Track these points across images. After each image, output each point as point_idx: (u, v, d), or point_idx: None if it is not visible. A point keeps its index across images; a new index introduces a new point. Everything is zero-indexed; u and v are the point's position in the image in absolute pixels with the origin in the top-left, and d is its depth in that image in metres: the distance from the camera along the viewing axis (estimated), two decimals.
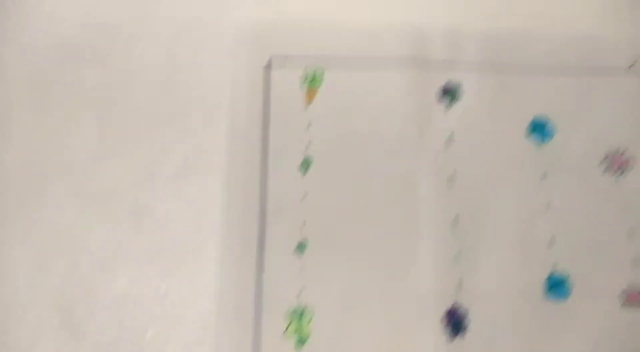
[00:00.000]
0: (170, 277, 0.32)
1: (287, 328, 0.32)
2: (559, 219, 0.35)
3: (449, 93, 0.37)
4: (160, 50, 0.35)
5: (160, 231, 0.32)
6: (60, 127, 0.34)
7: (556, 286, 0.34)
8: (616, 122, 0.37)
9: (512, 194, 0.35)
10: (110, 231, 0.32)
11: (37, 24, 0.35)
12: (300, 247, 0.33)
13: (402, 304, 0.33)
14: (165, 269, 0.32)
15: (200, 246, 0.32)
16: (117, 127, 0.34)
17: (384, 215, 0.34)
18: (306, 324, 0.32)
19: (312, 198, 0.34)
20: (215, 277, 0.32)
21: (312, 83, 0.36)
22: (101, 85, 0.34)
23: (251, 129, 0.35)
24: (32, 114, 0.34)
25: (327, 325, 0.32)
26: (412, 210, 0.35)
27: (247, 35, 0.36)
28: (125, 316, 0.31)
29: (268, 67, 0.36)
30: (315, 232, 0.34)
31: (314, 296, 0.33)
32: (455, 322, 0.33)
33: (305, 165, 0.35)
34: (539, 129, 0.37)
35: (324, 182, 0.35)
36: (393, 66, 0.37)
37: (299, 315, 0.32)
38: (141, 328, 0.31)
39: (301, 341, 0.32)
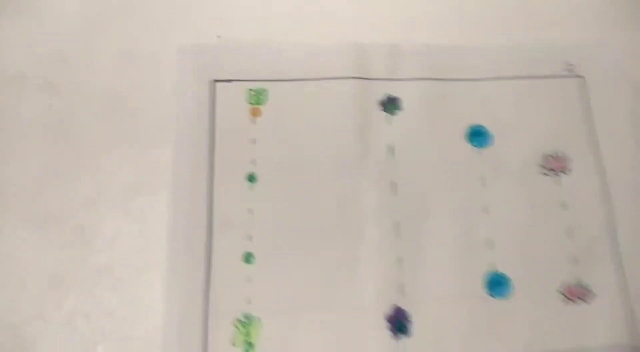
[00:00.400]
0: (119, 294, 0.33)
1: (235, 337, 0.33)
2: (498, 221, 0.36)
3: (390, 106, 0.39)
4: (105, 76, 0.37)
5: (108, 250, 0.33)
6: (6, 154, 0.35)
7: (497, 284, 0.35)
8: (552, 126, 0.39)
9: (452, 199, 0.37)
10: (59, 251, 0.33)
11: None
12: (248, 257, 0.34)
13: (347, 309, 0.34)
14: (113, 287, 0.33)
15: (148, 263, 0.33)
16: (63, 152, 0.35)
17: (329, 225, 0.36)
18: (254, 332, 0.33)
19: (259, 210, 0.35)
20: (163, 292, 0.33)
21: (257, 100, 0.38)
22: (47, 111, 0.36)
23: (197, 147, 0.36)
24: None
25: (275, 332, 0.33)
26: (355, 219, 0.36)
27: (191, 59, 0.38)
28: (75, 333, 0.32)
29: (213, 88, 0.37)
30: (263, 243, 0.35)
31: (262, 304, 0.34)
32: (398, 323, 0.34)
33: (252, 179, 0.36)
34: (477, 135, 0.38)
35: (270, 195, 0.36)
36: (335, 83, 0.38)
37: (246, 323, 0.33)
38: (91, 345, 0.32)
39: (249, 349, 0.33)
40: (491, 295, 0.35)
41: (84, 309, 0.32)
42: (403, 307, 0.34)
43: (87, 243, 0.33)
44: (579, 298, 0.35)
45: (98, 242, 0.33)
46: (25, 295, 0.32)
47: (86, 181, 0.35)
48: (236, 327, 0.33)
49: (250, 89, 0.38)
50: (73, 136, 0.36)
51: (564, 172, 0.38)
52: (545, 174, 0.38)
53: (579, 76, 0.40)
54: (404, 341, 0.34)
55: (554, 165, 0.38)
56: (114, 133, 0.36)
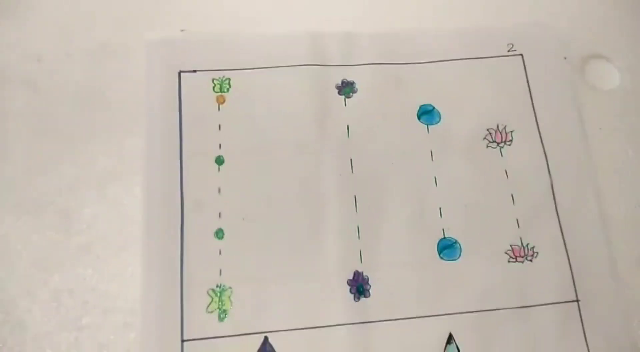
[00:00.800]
0: (100, 271, 0.36)
1: (209, 305, 0.36)
2: (447, 192, 0.40)
3: (346, 90, 0.42)
4: (80, 72, 0.40)
5: (88, 231, 0.36)
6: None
7: (447, 248, 0.39)
8: (495, 102, 0.43)
9: (405, 173, 0.40)
10: (44, 235, 0.36)
11: None
12: (218, 233, 0.37)
13: (312, 277, 0.37)
14: (94, 265, 0.36)
15: (125, 242, 0.36)
16: (45, 143, 0.38)
17: (293, 201, 0.39)
18: (227, 300, 0.36)
19: (227, 190, 0.39)
20: (140, 268, 0.36)
21: (220, 88, 0.41)
22: (28, 107, 0.39)
23: (168, 135, 0.39)
24: None
25: (246, 299, 0.36)
26: (317, 195, 0.39)
27: (158, 52, 0.41)
28: (61, 308, 0.35)
29: (179, 78, 0.40)
30: (231, 219, 0.38)
31: (232, 275, 0.37)
32: (359, 286, 0.37)
33: (219, 161, 0.39)
34: (426, 114, 0.42)
35: (237, 176, 0.39)
36: (292, 70, 0.41)
37: (219, 292, 0.36)
38: (76, 317, 0.35)
39: (223, 315, 0.36)
40: (442, 258, 0.38)
41: (68, 286, 0.35)
42: (362, 271, 0.38)
43: (68, 226, 0.36)
44: (523, 257, 0.39)
45: (78, 224, 0.36)
46: (14, 275, 0.35)
47: (67, 169, 0.37)
48: (210, 296, 0.36)
49: (214, 78, 0.41)
50: (53, 129, 0.38)
51: (507, 144, 0.42)
52: (490, 147, 0.41)
53: (518, 55, 0.44)
54: (364, 301, 0.37)
55: (497, 138, 0.42)
56: (91, 124, 0.39)
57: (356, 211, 0.39)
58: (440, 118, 0.42)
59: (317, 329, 0.37)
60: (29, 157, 0.38)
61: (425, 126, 0.41)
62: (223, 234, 0.38)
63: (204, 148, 0.39)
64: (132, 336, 0.35)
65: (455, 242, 0.39)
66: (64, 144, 0.38)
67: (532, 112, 0.42)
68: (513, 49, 0.44)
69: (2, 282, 0.35)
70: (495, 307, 0.38)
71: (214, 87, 0.41)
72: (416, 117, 0.42)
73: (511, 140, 0.41)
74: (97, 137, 0.38)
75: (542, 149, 0.41)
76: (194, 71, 0.41)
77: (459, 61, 0.43)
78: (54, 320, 0.34)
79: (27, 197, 0.37)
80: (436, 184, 0.40)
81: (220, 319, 0.36)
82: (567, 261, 0.39)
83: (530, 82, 0.43)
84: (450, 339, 0.37)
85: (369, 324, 0.37)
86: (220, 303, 0.36)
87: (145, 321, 0.35)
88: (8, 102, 0.39)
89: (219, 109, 0.40)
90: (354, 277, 0.38)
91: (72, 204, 0.37)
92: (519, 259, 0.39)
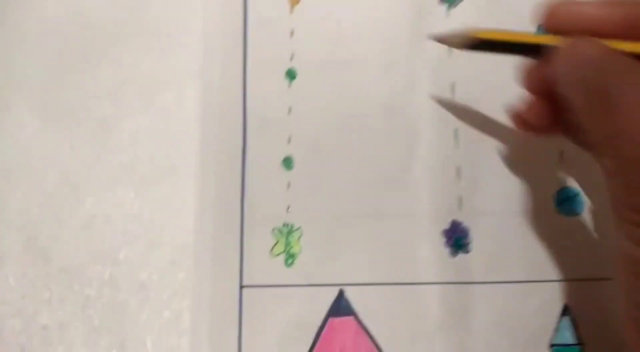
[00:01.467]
0: (144, 195, 0.29)
1: (274, 246, 0.29)
2: None
3: None
4: None
5: (131, 147, 0.29)
6: (18, 41, 0.31)
7: (567, 200, 0.31)
8: None
9: None
10: (75, 147, 0.29)
11: None
12: (287, 162, 0.30)
13: (398, 221, 0.30)
14: (138, 188, 0.29)
15: (176, 162, 0.29)
16: (79, 42, 0.31)
17: (378, 127, 0.31)
18: (295, 243, 0.29)
19: (299, 111, 0.31)
20: (193, 195, 0.29)
21: None
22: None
23: (229, 39, 0.32)
24: None
25: (318, 243, 0.30)
26: (408, 122, 0.31)
27: None
28: (95, 237, 0.28)
29: None
30: (303, 145, 0.31)
31: (303, 213, 0.30)
32: (456, 239, 0.30)
33: (291, 76, 0.31)
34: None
35: (311, 94, 0.31)
36: None
37: (286, 233, 0.29)
38: (112, 250, 0.28)
39: (290, 260, 0.29)
40: (560, 212, 0.31)
41: (104, 211, 0.28)
42: (462, 222, 0.30)
43: (106, 139, 0.29)
44: None
45: (119, 138, 0.29)
46: (38, 195, 0.29)
47: (104, 72, 0.30)
48: (275, 236, 0.29)
49: None
50: (90, 24, 0.31)
51: None
52: None
53: None
54: (462, 258, 0.30)
55: None
56: (135, 21, 0.31)
57: (457, 146, 0.31)
58: None
59: (402, 286, 0.30)
60: (60, 54, 0.31)
61: None
62: (292, 163, 0.31)
63: (273, 59, 0.32)
64: (180, 276, 0.28)
65: (578, 194, 0.31)
66: (102, 42, 0.31)
67: None
68: None
69: (23, 201, 0.28)
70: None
71: None
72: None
73: None
74: (143, 37, 0.31)
75: None
76: None
77: None
78: (85, 251, 0.28)
79: (57, 100, 0.30)
80: None
81: (287, 264, 0.29)
82: None
83: None
84: (565, 311, 0.30)
85: (467, 285, 0.30)
86: (287, 245, 0.29)
87: (197, 259, 0.28)
88: None
89: (291, 11, 0.33)
90: (451, 228, 0.30)
91: (111, 112, 0.30)
92: None
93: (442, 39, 0.29)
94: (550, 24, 0.24)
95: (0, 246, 0.28)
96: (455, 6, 0.33)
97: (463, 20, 0.33)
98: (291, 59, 0.32)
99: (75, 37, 0.31)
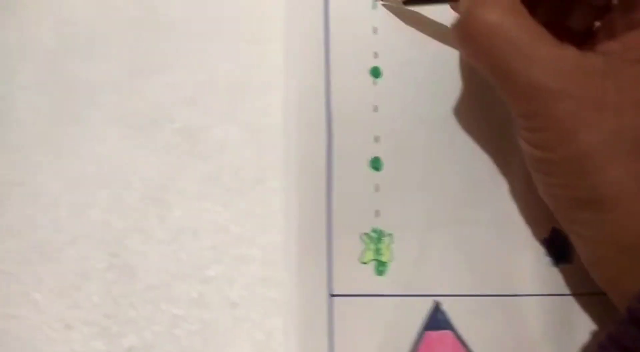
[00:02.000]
0: (231, 207, 0.27)
1: (363, 253, 0.28)
2: None
3: None
4: None
5: (217, 156, 0.28)
6: (88, 45, 0.29)
7: None
8: None
9: None
10: (158, 158, 0.28)
11: None
12: (375, 162, 0.29)
13: (495, 228, 0.28)
14: (224, 199, 0.27)
15: (263, 171, 0.28)
16: (155, 42, 0.29)
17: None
18: (385, 249, 0.28)
19: (386, 109, 0.29)
20: (281, 205, 0.27)
21: None
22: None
23: (311, 39, 0.30)
24: (56, 34, 0.29)
25: (410, 250, 0.28)
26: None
27: None
28: (182, 252, 0.27)
29: None
30: (392, 146, 0.29)
31: (393, 218, 0.28)
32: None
33: (375, 74, 0.30)
34: None
35: (398, 91, 0.29)
36: None
37: (376, 239, 0.28)
38: (201, 266, 0.27)
39: (381, 268, 0.28)
40: None
41: (191, 225, 0.27)
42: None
43: (191, 147, 0.28)
44: None
45: (204, 147, 0.28)
46: (122, 208, 0.27)
47: (184, 77, 0.29)
48: (364, 242, 0.28)
49: None
50: (165, 25, 0.29)
51: None
52: None
53: None
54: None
55: None
56: (215, 22, 0.30)
57: None
58: None
59: (502, 298, 0.28)
60: (136, 58, 0.29)
61: None
62: (381, 164, 0.29)
63: (356, 56, 0.30)
64: (271, 294, 0.27)
65: None
66: (181, 44, 0.29)
67: None
68: None
69: (107, 215, 0.27)
70: None
71: None
72: None
73: None
74: (223, 39, 0.29)
75: None
76: None
77: None
78: (172, 268, 0.27)
79: (136, 108, 0.28)
80: None
81: (378, 272, 0.28)
82: None
83: None
84: None
85: (570, 297, 0.28)
86: (377, 252, 0.28)
87: (287, 271, 0.27)
88: None
89: (374, 6, 0.31)
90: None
91: (193, 120, 0.28)
92: None
93: (388, 3, 0.30)
94: None
95: (83, 262, 0.27)
96: None
97: None
98: (375, 56, 0.30)
99: (149, 40, 0.29)
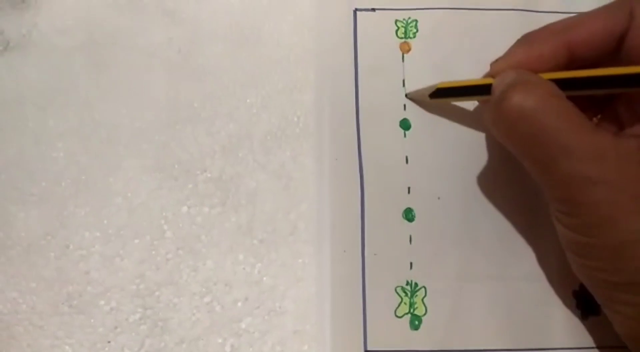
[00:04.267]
0: (264, 258, 0.27)
1: (398, 307, 0.28)
2: None
3: None
4: (232, 9, 0.31)
5: (250, 208, 0.28)
6: (124, 91, 0.29)
7: None
8: None
9: None
10: (190, 209, 0.28)
11: None
12: (408, 214, 0.29)
13: (526, 281, 0.28)
14: (256, 250, 0.27)
15: (294, 223, 0.28)
16: (191, 90, 0.29)
17: (501, 177, 0.30)
18: (419, 303, 0.28)
19: (416, 161, 0.30)
20: (313, 257, 0.27)
21: (405, 33, 0.31)
22: (169, 42, 0.30)
23: (341, 90, 0.30)
24: (92, 81, 0.29)
25: (443, 304, 0.28)
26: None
27: None
28: (215, 305, 0.27)
29: (355, 18, 0.31)
30: (424, 197, 0.29)
31: (427, 270, 0.28)
32: (586, 300, 0.28)
33: (405, 126, 0.30)
34: None
35: (428, 143, 0.30)
36: (499, 14, 0.32)
37: (410, 292, 0.28)
38: (234, 319, 0.26)
39: (417, 322, 0.27)
40: None
41: (224, 277, 0.27)
42: None
43: (224, 198, 0.28)
44: None
45: (236, 198, 0.28)
46: (154, 258, 0.27)
47: (218, 126, 0.29)
48: (399, 295, 0.28)
49: (397, 20, 0.32)
50: (200, 73, 0.30)
51: None
52: None
53: None
54: (593, 320, 0.28)
55: None
56: (249, 72, 0.30)
57: None
58: None
59: None
60: (174, 104, 0.29)
61: None
62: (414, 215, 0.29)
63: (386, 107, 0.30)
64: (304, 347, 0.26)
65: None
66: (215, 94, 0.30)
67: None
68: None
69: (139, 266, 0.27)
70: None
71: (397, 31, 0.32)
72: None
73: None
74: (256, 89, 0.30)
75: None
76: (373, 10, 0.32)
77: None
78: (205, 321, 0.26)
79: (172, 157, 0.28)
80: None
81: (414, 326, 0.28)
82: None
83: None
84: None
85: (600, 349, 0.28)
86: (412, 306, 0.28)
87: (320, 325, 0.27)
88: (140, 35, 0.30)
89: (403, 59, 0.31)
90: (580, 289, 0.29)
91: (227, 169, 0.28)
92: None
93: (414, 97, 0.30)
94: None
95: (115, 314, 0.26)
96: None
97: None
98: (404, 108, 0.30)
99: (185, 88, 0.29)
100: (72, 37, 0.30)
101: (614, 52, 0.25)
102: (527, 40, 0.26)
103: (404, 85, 0.31)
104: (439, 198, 0.29)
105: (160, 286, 0.27)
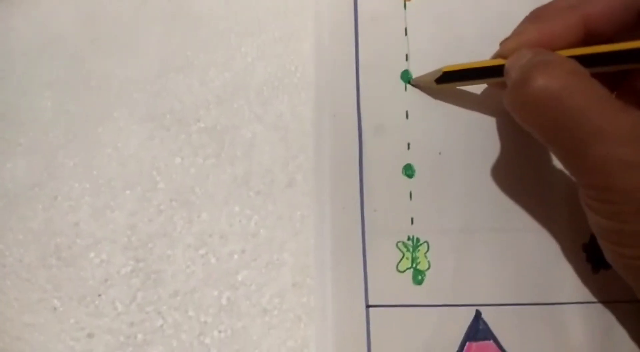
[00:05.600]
0: (261, 211, 0.26)
1: (399, 262, 0.26)
2: None
3: None
4: None
5: (246, 159, 0.27)
6: (115, 42, 0.28)
7: None
8: None
9: None
10: (184, 160, 0.27)
11: None
12: (408, 169, 0.28)
13: (533, 234, 0.27)
14: (253, 202, 0.26)
15: (293, 176, 0.27)
16: (184, 39, 0.28)
17: (505, 133, 0.28)
18: (422, 258, 0.27)
19: (417, 115, 0.29)
20: (312, 209, 0.26)
21: None
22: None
23: (339, 38, 0.29)
24: (82, 31, 0.28)
25: (447, 259, 0.27)
26: None
27: None
28: (210, 257, 0.26)
29: None
30: (424, 153, 0.28)
31: (428, 225, 0.27)
32: (597, 254, 0.27)
33: (406, 78, 0.29)
34: None
35: (430, 97, 0.29)
36: None
37: (412, 247, 0.27)
38: (230, 271, 0.25)
39: (419, 277, 0.26)
40: None
41: (220, 229, 0.26)
42: None
43: (219, 150, 0.27)
44: None
45: (231, 149, 0.27)
46: (147, 210, 0.26)
47: (213, 77, 0.28)
48: (400, 250, 0.27)
49: None
50: (194, 22, 0.29)
51: None
52: None
53: None
54: (604, 274, 0.27)
55: None
56: (245, 21, 0.29)
57: None
58: None
59: (543, 307, 0.27)
60: (163, 56, 0.28)
61: None
62: (413, 171, 0.28)
63: (387, 59, 0.29)
64: (303, 300, 0.25)
65: None
66: (210, 44, 0.28)
67: None
68: None
69: (131, 218, 0.26)
70: None
71: None
72: None
73: None
74: (252, 39, 0.29)
75: None
76: None
77: None
78: (200, 273, 0.25)
79: (164, 107, 0.27)
80: None
81: (416, 281, 0.26)
82: None
83: None
84: None
85: (610, 304, 0.27)
86: (414, 261, 0.27)
87: (320, 279, 0.26)
88: None
89: (405, 6, 0.30)
90: (591, 242, 0.28)
91: (222, 121, 0.27)
92: None
93: (418, 83, 0.29)
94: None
95: (105, 267, 0.25)
96: None
97: None
98: (406, 59, 0.29)
99: (178, 37, 0.28)
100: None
101: (634, 26, 0.23)
102: (538, 15, 0.24)
103: (406, 34, 0.30)
104: (440, 153, 0.28)
105: (152, 238, 0.26)
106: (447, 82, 0.27)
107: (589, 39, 0.23)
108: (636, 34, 0.23)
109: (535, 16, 0.24)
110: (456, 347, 0.26)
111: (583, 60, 0.22)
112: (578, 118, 0.20)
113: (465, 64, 0.26)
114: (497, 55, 0.25)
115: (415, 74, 0.29)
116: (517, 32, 0.24)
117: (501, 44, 0.25)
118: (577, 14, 0.23)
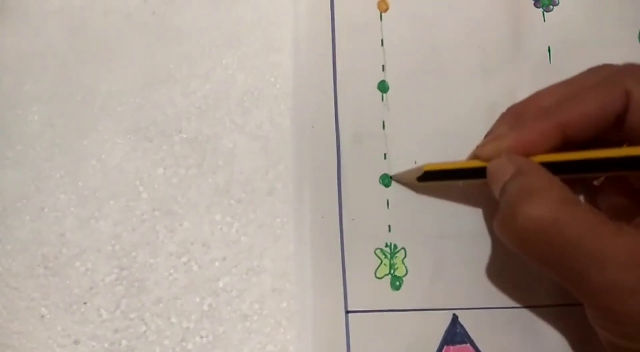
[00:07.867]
0: (241, 220, 0.27)
1: (378, 268, 0.27)
2: None
3: (543, 0, 0.32)
4: None
5: (226, 168, 0.28)
6: (99, 54, 0.29)
7: None
8: None
9: None
10: (169, 170, 0.27)
11: None
12: (385, 179, 0.28)
13: None
14: (234, 210, 0.27)
15: (273, 184, 0.28)
16: (166, 51, 0.29)
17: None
18: (400, 264, 0.27)
19: (394, 125, 0.29)
20: (292, 217, 0.27)
21: None
22: (144, 3, 0.30)
23: (318, 50, 0.30)
24: (67, 43, 0.29)
25: (423, 264, 0.27)
26: None
27: None
28: (192, 265, 0.26)
29: None
30: (401, 162, 0.29)
31: (405, 232, 0.28)
32: None
33: (383, 88, 0.30)
34: None
35: (405, 105, 0.30)
36: None
37: (390, 254, 0.27)
38: (211, 278, 0.26)
39: (397, 283, 0.27)
40: None
41: (201, 237, 0.27)
42: None
43: (200, 159, 0.28)
44: None
45: (213, 159, 0.28)
46: (131, 220, 0.27)
47: (195, 88, 0.29)
48: (378, 257, 0.27)
49: None
50: (175, 35, 0.29)
51: None
52: None
53: None
54: None
55: None
56: (225, 33, 0.30)
57: None
58: None
59: (519, 310, 0.27)
60: (147, 68, 0.29)
61: None
62: (390, 180, 0.29)
63: (364, 70, 0.30)
64: (283, 305, 0.26)
65: None
66: (192, 53, 0.29)
67: None
68: None
69: (114, 228, 0.27)
70: None
71: None
72: (637, 37, 0.31)
73: None
74: (233, 50, 0.29)
75: None
76: None
77: None
78: (183, 281, 0.26)
79: (146, 120, 0.28)
80: None
81: (394, 287, 0.27)
82: None
83: None
84: None
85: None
86: (392, 267, 0.27)
87: (299, 285, 0.26)
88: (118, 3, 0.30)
89: (381, 18, 0.31)
90: None
91: (204, 131, 0.28)
92: None
93: (400, 179, 0.28)
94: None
95: (91, 275, 0.26)
96: (550, 10, 0.32)
97: (559, 23, 0.31)
98: (383, 69, 0.30)
99: (160, 50, 0.29)
100: (48, 1, 0.30)
101: (613, 130, 0.23)
102: (514, 118, 0.24)
103: (382, 44, 0.30)
104: (415, 162, 0.29)
105: (136, 246, 0.26)
106: (429, 180, 0.27)
107: (566, 143, 0.23)
108: (618, 136, 0.23)
109: (511, 117, 0.24)
110: (434, 351, 0.27)
111: (559, 167, 0.22)
112: (573, 248, 0.20)
113: (447, 163, 0.26)
114: (473, 157, 0.25)
115: (392, 85, 0.30)
116: (494, 137, 0.24)
117: (478, 147, 0.25)
118: (554, 121, 0.22)
